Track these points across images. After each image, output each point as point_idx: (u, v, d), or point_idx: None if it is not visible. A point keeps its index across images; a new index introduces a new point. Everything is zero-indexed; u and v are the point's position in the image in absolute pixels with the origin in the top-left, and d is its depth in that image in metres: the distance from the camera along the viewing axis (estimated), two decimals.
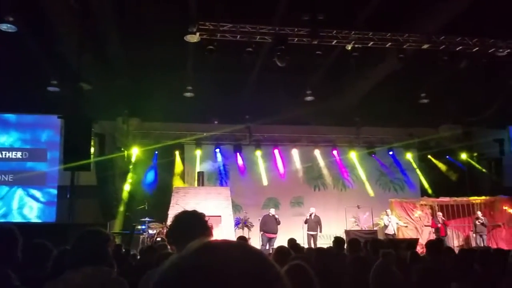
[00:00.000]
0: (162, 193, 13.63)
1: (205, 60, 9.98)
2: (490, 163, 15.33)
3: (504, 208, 14.28)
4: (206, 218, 2.40)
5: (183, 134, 15.03)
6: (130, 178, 14.23)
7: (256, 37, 9.51)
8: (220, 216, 12.22)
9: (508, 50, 10.35)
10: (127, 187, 14.09)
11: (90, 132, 9.94)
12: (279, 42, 9.36)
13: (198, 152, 15.31)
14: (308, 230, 12.91)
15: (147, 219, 11.86)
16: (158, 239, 10.54)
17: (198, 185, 13.96)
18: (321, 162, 16.11)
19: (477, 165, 15.88)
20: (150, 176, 14.74)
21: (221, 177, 15.50)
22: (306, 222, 12.99)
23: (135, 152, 14.48)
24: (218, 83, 12.22)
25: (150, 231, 11.51)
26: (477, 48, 10.29)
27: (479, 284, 3.52)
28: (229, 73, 11.91)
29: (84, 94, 11.07)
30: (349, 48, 10.01)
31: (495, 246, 12.18)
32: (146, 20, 9.78)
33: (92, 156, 10.15)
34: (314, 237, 12.80)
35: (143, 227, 11.81)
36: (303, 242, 12.63)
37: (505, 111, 13.37)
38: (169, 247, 4.93)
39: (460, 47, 10.28)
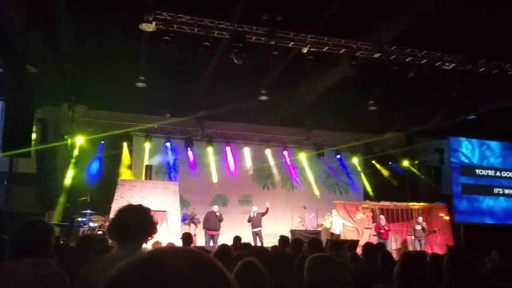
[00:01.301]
0: (107, 185, 13.17)
1: (160, 51, 9.75)
2: (430, 171, 16.16)
3: (440, 214, 15.12)
4: (152, 213, 2.33)
5: (132, 125, 14.61)
6: (72, 167, 13.62)
7: (214, 32, 9.42)
8: (166, 211, 12.04)
9: (454, 64, 10.95)
10: (69, 177, 13.47)
11: (32, 117, 9.41)
12: (236, 39, 9.32)
13: (147, 145, 14.94)
14: (252, 228, 13.00)
15: (88, 211, 11.47)
16: (99, 232, 10.22)
17: (146, 178, 13.64)
18: (272, 161, 16.28)
19: (417, 172, 16.69)
20: (95, 167, 14.18)
21: (170, 171, 15.24)
22: (249, 220, 13.06)
23: (79, 140, 13.85)
24: (173, 76, 11.99)
25: (91, 224, 11.14)
26: (425, 60, 10.79)
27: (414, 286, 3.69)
28: (184, 66, 11.73)
29: (29, 77, 10.46)
30: (305, 51, 10.16)
31: (430, 251, 12.87)
32: (100, 4, 9.39)
33: (33, 142, 9.63)
34: (259, 234, 12.92)
35: (84, 219, 11.41)
36: (249, 240, 12.73)
37: (447, 122, 14.15)
38: (110, 241, 4.78)
39: (409, 58, 10.74)
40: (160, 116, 14.62)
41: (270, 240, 12.73)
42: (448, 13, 8.83)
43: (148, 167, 13.85)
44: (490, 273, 4.45)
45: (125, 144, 14.68)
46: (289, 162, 16.46)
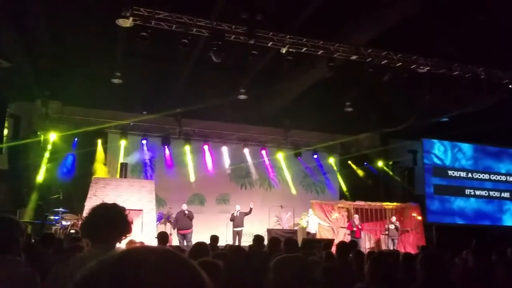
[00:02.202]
0: (80, 183, 12.89)
1: (137, 47, 9.63)
2: (403, 172, 16.49)
3: (413, 214, 15.45)
4: (127, 212, 2.30)
5: (107, 122, 14.35)
6: (45, 164, 13.29)
7: (193, 29, 9.35)
8: (141, 210, 11.90)
9: (428, 68, 11.20)
10: (41, 174, 13.14)
11: (4, 112, 9.17)
12: (215, 38, 9.28)
13: (123, 142, 14.69)
14: (234, 227, 12.99)
15: (61, 209, 11.22)
16: (72, 231, 10.02)
17: (121, 176, 13.43)
18: (249, 161, 16.29)
19: (391, 173, 17.01)
20: (68, 164, 13.88)
21: (146, 169, 15.06)
22: (232, 219, 13.05)
23: (52, 137, 13.52)
24: (150, 72, 11.86)
25: (64, 222, 10.92)
26: (400, 63, 11.00)
27: (387, 285, 3.76)
28: (162, 63, 11.61)
29: (1, 71, 10.17)
30: (284, 51, 10.21)
31: (403, 250, 13.13)
32: None
33: (5, 138, 9.38)
34: (240, 234, 12.94)
35: (56, 217, 11.17)
36: (226, 239, 12.72)
37: (421, 124, 14.47)
38: (84, 240, 4.69)
39: (385, 61, 10.93)
40: (136, 113, 14.42)
41: (246, 239, 12.75)
42: (424, 17, 9.02)
43: (123, 165, 13.64)
44: (462, 273, 4.58)
45: (99, 141, 14.42)
46: (267, 162, 16.51)
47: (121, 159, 14.37)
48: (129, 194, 12.21)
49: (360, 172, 17.04)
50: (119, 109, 14.38)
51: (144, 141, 14.97)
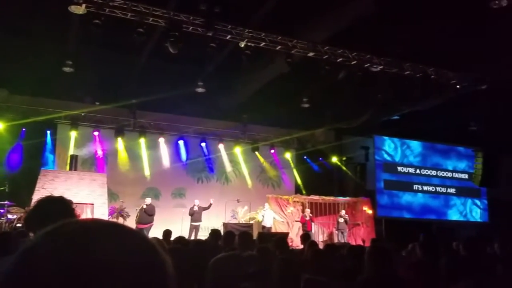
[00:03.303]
0: (28, 175, 12.30)
1: (90, 35, 9.26)
2: (356, 168, 16.98)
3: (364, 208, 15.97)
4: (74, 206, 2.22)
5: (57, 112, 13.75)
6: None
7: (149, 18, 9.12)
8: (92, 204, 11.57)
9: (381, 67, 11.55)
10: None
11: None
12: (172, 28, 9.10)
13: (73, 133, 14.13)
14: (192, 222, 12.88)
15: (7, 202, 10.68)
16: (19, 225, 9.59)
17: (71, 169, 12.96)
18: (207, 155, 16.17)
19: (344, 168, 17.47)
20: (15, 155, 13.20)
21: (98, 162, 14.58)
22: (191, 214, 12.93)
23: None
24: (103, 62, 11.45)
25: (10, 216, 10.44)
26: (355, 62, 11.28)
27: (337, 276, 3.86)
28: (116, 53, 11.25)
29: None
30: (242, 45, 10.19)
31: (354, 243, 13.54)
32: None
33: None
34: (197, 228, 12.86)
35: (2, 211, 10.63)
36: (181, 233, 12.59)
37: (373, 122, 14.93)
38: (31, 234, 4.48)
39: (341, 59, 11.17)
40: (88, 104, 13.91)
41: (202, 234, 12.69)
42: (378, 17, 9.27)
43: (74, 157, 13.17)
44: (409, 265, 4.78)
45: (48, 132, 13.81)
46: (225, 156, 16.47)
47: (71, 151, 13.84)
48: (80, 187, 11.82)
49: (315, 167, 17.38)
50: (70, 99, 13.83)
51: (96, 133, 14.47)
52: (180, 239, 6.76)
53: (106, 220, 0.65)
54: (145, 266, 0.58)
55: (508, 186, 15.15)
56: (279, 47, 10.60)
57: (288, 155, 17.41)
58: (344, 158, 17.47)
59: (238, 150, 16.57)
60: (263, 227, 13.76)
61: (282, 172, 17.50)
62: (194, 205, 13.08)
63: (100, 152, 14.54)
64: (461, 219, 17.54)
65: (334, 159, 17.38)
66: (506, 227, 16.02)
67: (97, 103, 13.89)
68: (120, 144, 14.71)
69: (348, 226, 14.76)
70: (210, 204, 13.24)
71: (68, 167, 13.23)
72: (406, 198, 16.77)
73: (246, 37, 10.09)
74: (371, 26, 9.69)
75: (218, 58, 11.62)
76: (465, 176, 17.47)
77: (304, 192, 16.53)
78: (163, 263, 0.61)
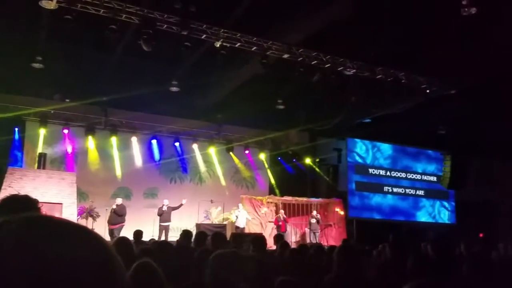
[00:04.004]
0: None
1: (62, 31, 9.04)
2: (329, 169, 17.20)
3: (336, 209, 16.18)
4: (40, 205, 2.15)
5: (26, 109, 13.35)
6: None
7: (122, 15, 8.96)
8: (61, 203, 11.29)
9: (354, 70, 11.73)
10: None
11: None
12: (146, 26, 8.97)
13: (42, 131, 13.72)
14: (161, 222, 12.71)
15: None
16: None
17: (39, 167, 12.59)
18: (181, 155, 16.02)
19: (318, 170, 17.65)
20: None
21: (68, 161, 14.20)
22: (160, 214, 12.75)
23: None
24: (74, 58, 11.19)
25: None
26: (329, 65, 11.41)
27: (307, 277, 3.89)
28: (88, 49, 11.01)
29: None
30: (218, 45, 10.14)
31: (326, 243, 13.70)
32: None
33: None
34: (167, 229, 12.71)
35: None
36: (153, 234, 12.43)
37: (346, 124, 15.15)
38: None
39: (315, 62, 11.28)
40: (58, 101, 13.54)
41: (174, 234, 12.56)
42: (352, 21, 9.41)
43: (42, 156, 12.80)
44: (379, 265, 4.88)
45: (16, 129, 13.38)
46: (199, 156, 16.35)
47: (40, 149, 13.45)
48: (48, 186, 11.51)
49: (289, 168, 17.50)
50: (39, 95, 13.44)
51: (66, 131, 14.08)
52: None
53: (51, 216, 0.63)
54: (91, 262, 0.57)
55: (474, 188, 15.65)
56: (254, 48, 10.61)
57: (262, 156, 17.44)
58: (317, 160, 17.65)
59: (212, 150, 16.48)
60: (237, 227, 13.74)
61: (256, 173, 17.51)
62: (163, 205, 12.91)
63: (70, 151, 14.17)
64: (430, 220, 18.00)
65: (308, 161, 17.53)
66: (472, 228, 16.56)
67: (67, 100, 13.55)
68: (90, 142, 14.37)
69: (320, 226, 14.93)
70: (181, 204, 13.09)
71: (36, 165, 12.86)
72: (376, 199, 17.08)
73: (221, 37, 10.05)
74: (345, 30, 9.83)
75: (193, 57, 11.53)
76: (434, 178, 17.93)
77: (277, 193, 16.60)
78: (109, 259, 0.60)
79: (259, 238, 5.96)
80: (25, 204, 2.06)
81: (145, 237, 9.13)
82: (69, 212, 11.45)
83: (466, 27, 9.07)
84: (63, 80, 12.22)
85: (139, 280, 2.20)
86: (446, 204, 18.36)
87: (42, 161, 12.68)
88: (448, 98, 12.86)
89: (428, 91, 12.89)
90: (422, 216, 17.94)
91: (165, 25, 9.38)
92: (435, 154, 17.63)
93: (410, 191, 17.83)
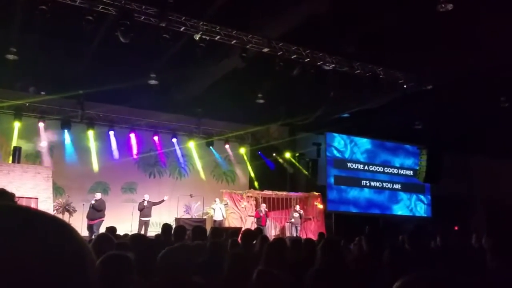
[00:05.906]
0: None
1: (37, 21, 8.78)
2: (308, 163, 17.33)
3: (315, 203, 16.34)
4: (16, 199, 2.11)
5: (0, 102, 13.01)
6: None
7: (99, 6, 8.78)
8: (37, 198, 11.08)
9: (333, 65, 11.81)
10: None
11: None
12: (123, 17, 8.81)
13: (17, 124, 13.40)
14: (142, 217, 12.62)
15: None
16: None
17: (14, 161, 12.31)
18: (160, 149, 15.87)
19: (297, 164, 17.76)
20: None
21: (43, 155, 13.90)
22: (141, 209, 12.64)
23: None
24: (50, 50, 10.90)
25: None
26: (308, 59, 11.45)
27: (287, 269, 3.92)
28: (64, 40, 10.74)
29: None
30: (197, 38, 10.04)
31: (305, 237, 13.81)
32: None
33: None
34: (147, 224, 12.64)
35: None
36: (131, 229, 12.30)
37: (325, 119, 15.26)
38: None
39: (295, 56, 11.29)
40: (33, 94, 13.21)
41: (153, 229, 12.49)
42: (331, 16, 9.45)
43: (17, 149, 12.52)
44: (356, 258, 4.94)
45: None
46: (178, 150, 16.22)
47: (15, 143, 13.13)
48: (23, 181, 11.27)
49: (269, 163, 17.56)
50: (14, 88, 13.09)
51: (41, 124, 13.78)
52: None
53: (28, 207, 0.62)
54: (63, 251, 0.56)
55: (449, 182, 16.02)
56: (234, 41, 10.55)
57: (242, 150, 17.44)
58: (297, 154, 17.75)
59: (192, 145, 16.39)
60: (214, 221, 13.73)
61: (236, 167, 17.51)
62: (144, 200, 12.81)
63: (45, 144, 13.87)
64: (407, 213, 18.38)
65: (288, 155, 17.62)
66: (447, 221, 16.97)
67: (42, 92, 13.23)
68: (66, 136, 14.10)
69: (301, 220, 15.05)
70: (163, 200, 13.04)
71: (10, 159, 12.57)
72: (353, 193, 17.32)
73: (200, 30, 9.96)
74: (324, 25, 9.86)
75: (171, 50, 11.39)
76: (410, 172, 18.27)
77: (257, 187, 16.64)
78: (82, 251, 0.59)
79: (237, 233, 5.97)
80: (1, 197, 2.02)
81: (123, 232, 9.03)
82: (45, 207, 11.24)
83: (443, 23, 9.23)
84: (38, 72, 11.92)
85: (106, 272, 2.21)
86: (422, 197, 18.76)
87: (17, 155, 12.42)
88: (425, 93, 13.08)
89: (405, 86, 13.08)
90: (400, 209, 18.29)
91: (143, 17, 9.24)
92: (412, 148, 17.97)
93: (387, 185, 18.14)
